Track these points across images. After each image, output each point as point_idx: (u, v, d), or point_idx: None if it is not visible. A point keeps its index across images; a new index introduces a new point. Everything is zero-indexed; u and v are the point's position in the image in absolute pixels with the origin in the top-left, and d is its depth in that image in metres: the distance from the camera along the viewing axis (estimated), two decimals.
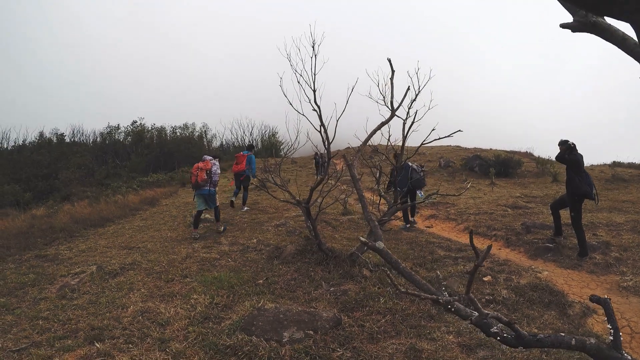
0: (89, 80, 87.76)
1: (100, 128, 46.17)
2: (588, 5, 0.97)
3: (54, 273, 4.67)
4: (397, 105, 5.22)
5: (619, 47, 1.54)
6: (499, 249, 5.94)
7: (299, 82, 4.51)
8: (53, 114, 63.36)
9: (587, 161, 5.77)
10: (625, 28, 1.35)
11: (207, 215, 7.54)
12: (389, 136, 5.26)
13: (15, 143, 34.74)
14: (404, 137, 5.26)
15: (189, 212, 8.80)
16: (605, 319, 1.55)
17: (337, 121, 4.58)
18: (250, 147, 9.55)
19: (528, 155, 20.54)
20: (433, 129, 4.74)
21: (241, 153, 8.90)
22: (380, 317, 3.25)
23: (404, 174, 6.87)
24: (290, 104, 4.54)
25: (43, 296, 3.94)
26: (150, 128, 38.07)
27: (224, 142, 42.27)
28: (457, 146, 24.52)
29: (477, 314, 1.66)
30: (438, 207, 9.33)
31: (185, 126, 39.31)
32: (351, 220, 7.97)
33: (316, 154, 17.35)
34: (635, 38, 1.35)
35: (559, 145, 5.23)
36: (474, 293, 3.81)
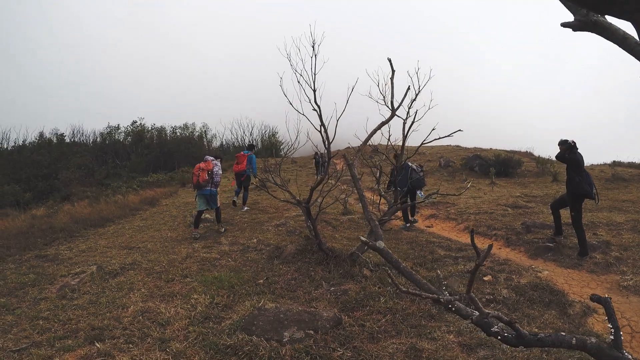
0: (89, 80, 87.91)
1: (100, 128, 46.36)
2: (589, 4, 0.97)
3: (54, 273, 4.67)
4: (397, 105, 5.22)
5: (619, 46, 1.54)
6: (499, 248, 5.94)
7: (299, 82, 4.51)
8: (53, 114, 63.47)
9: (587, 161, 5.77)
10: (626, 27, 1.35)
11: (207, 216, 7.54)
12: (389, 136, 5.26)
13: (15, 143, 34.82)
14: (404, 137, 5.26)
15: (189, 212, 8.80)
16: (606, 318, 1.55)
17: (337, 121, 4.58)
18: (250, 146, 9.55)
19: (528, 155, 20.55)
20: (433, 129, 4.74)
21: (242, 153, 8.90)
22: (380, 317, 3.25)
23: (404, 173, 6.87)
24: (290, 104, 4.55)
25: (43, 296, 3.94)
26: (150, 128, 38.10)
27: (224, 142, 42.34)
28: (457, 146, 24.52)
29: (477, 313, 1.66)
30: (438, 207, 9.33)
31: (185, 126, 39.34)
32: (351, 220, 7.97)
33: (316, 153, 17.36)
34: (636, 37, 1.35)
35: (559, 145, 5.23)
36: (475, 292, 3.81)
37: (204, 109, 73.16)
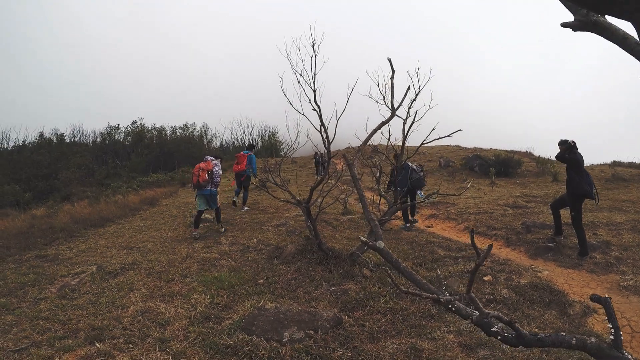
0: (89, 80, 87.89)
1: (100, 128, 46.33)
2: (589, 4, 0.97)
3: (54, 273, 4.67)
4: (397, 105, 5.22)
5: (619, 46, 1.54)
6: (499, 248, 5.94)
7: (299, 82, 4.51)
8: (53, 114, 63.45)
9: (587, 161, 5.77)
10: (626, 27, 1.35)
11: (207, 216, 7.54)
12: (389, 136, 5.27)
13: (15, 143, 34.81)
14: (404, 137, 5.26)
15: (189, 212, 8.80)
16: (606, 318, 1.55)
17: (337, 121, 4.58)
18: (250, 146, 9.55)
19: (528, 155, 20.55)
20: (433, 129, 4.74)
21: (242, 153, 8.90)
22: (380, 317, 3.25)
23: (404, 173, 6.87)
24: (290, 104, 4.55)
25: (43, 296, 3.94)
26: (150, 128, 38.09)
27: (224, 142, 42.34)
28: (457, 146, 24.52)
29: (477, 313, 1.66)
30: (438, 207, 9.33)
31: (185, 126, 39.33)
32: (351, 220, 7.97)
33: (316, 153, 17.36)
34: (636, 37, 1.35)
35: (559, 145, 5.23)
36: (475, 292, 3.81)
37: (204, 109, 73.26)
